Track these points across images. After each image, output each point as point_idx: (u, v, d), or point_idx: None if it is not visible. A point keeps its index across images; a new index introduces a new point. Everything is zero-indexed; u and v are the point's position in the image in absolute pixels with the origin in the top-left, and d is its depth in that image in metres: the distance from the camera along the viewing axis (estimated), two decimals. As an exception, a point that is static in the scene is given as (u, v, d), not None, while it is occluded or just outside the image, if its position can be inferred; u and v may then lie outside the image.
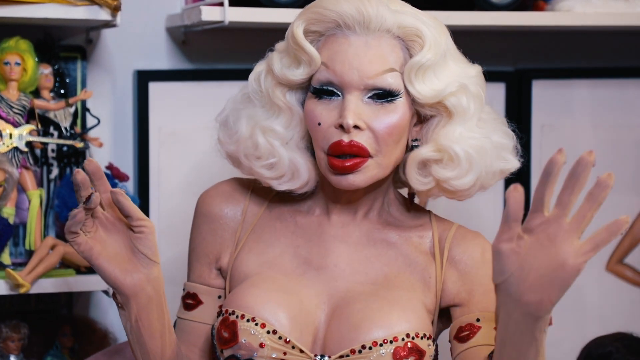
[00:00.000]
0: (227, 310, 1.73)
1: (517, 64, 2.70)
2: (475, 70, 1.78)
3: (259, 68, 1.82)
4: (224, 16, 2.25)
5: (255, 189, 1.86)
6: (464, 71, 1.75)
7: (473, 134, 1.74)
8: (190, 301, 1.85)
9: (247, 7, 2.27)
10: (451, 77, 1.73)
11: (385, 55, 1.70)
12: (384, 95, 1.70)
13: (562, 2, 2.48)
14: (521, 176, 2.66)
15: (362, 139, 1.70)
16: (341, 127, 1.70)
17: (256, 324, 1.69)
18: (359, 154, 1.70)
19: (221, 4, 2.25)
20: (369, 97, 1.70)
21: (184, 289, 1.87)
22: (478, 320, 1.74)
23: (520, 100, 2.66)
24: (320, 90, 1.72)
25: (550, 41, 2.71)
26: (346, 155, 1.70)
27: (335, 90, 1.71)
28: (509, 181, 2.64)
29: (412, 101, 1.73)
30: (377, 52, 1.70)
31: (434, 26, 1.73)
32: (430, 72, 1.71)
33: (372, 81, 1.70)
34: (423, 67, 1.70)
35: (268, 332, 1.69)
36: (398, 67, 1.71)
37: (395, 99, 1.71)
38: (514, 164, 1.79)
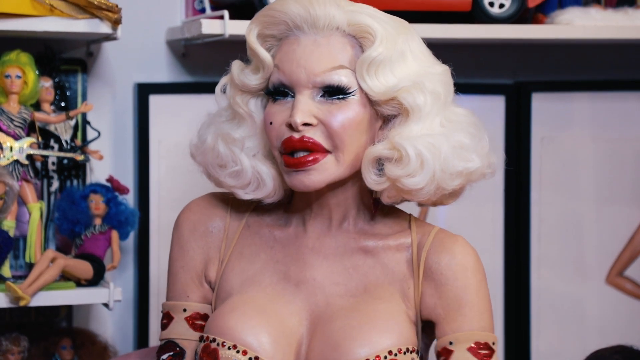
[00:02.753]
0: (208, 337, 1.72)
1: (517, 77, 2.70)
2: (440, 69, 1.74)
3: (224, 80, 1.82)
4: (224, 29, 2.25)
5: (234, 204, 1.84)
6: (425, 70, 1.72)
7: (430, 133, 1.70)
8: (201, 322, 1.83)
9: (247, 20, 2.27)
10: (408, 74, 1.70)
11: (334, 53, 1.69)
12: (334, 92, 1.68)
13: (561, 15, 2.48)
14: (521, 188, 2.66)
15: (315, 134, 1.68)
16: (291, 126, 1.68)
17: (237, 352, 1.68)
18: (313, 149, 1.68)
19: (221, 17, 2.26)
20: (321, 96, 1.69)
21: (184, 309, 1.83)
22: (451, 343, 1.71)
23: (519, 112, 2.66)
24: (274, 92, 1.72)
25: (549, 54, 2.72)
26: (298, 151, 1.68)
27: (287, 91, 1.70)
28: (509, 190, 2.65)
29: (370, 101, 1.70)
30: (325, 50, 1.69)
31: (391, 24, 1.71)
32: (385, 68, 1.69)
33: (320, 78, 1.68)
34: (375, 62, 1.68)
35: (250, 359, 1.68)
36: (349, 64, 1.69)
37: (347, 97, 1.69)
38: (475, 163, 1.72)
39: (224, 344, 1.69)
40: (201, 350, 1.72)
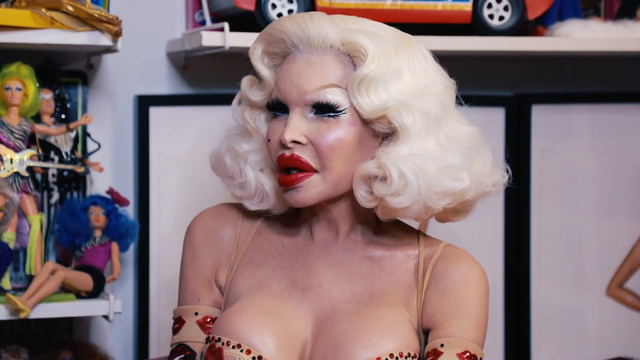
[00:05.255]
0: (213, 337, 1.74)
1: (517, 89, 2.71)
2: (440, 87, 1.74)
3: (240, 95, 1.85)
4: (225, 41, 2.26)
5: (246, 213, 1.87)
6: (421, 88, 1.72)
7: (418, 152, 1.71)
8: (212, 326, 1.84)
9: (247, 32, 2.28)
10: (402, 92, 1.71)
11: (326, 71, 1.71)
12: (325, 110, 1.70)
13: (561, 27, 2.49)
14: (521, 200, 2.67)
15: (304, 153, 1.71)
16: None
17: (241, 351, 1.70)
18: (302, 167, 1.71)
19: (222, 30, 2.26)
20: (313, 114, 1.71)
21: (196, 313, 1.85)
22: (442, 345, 1.72)
23: (519, 124, 2.66)
24: (272, 108, 1.75)
25: (549, 66, 2.72)
26: (289, 169, 1.71)
27: (284, 108, 1.74)
28: (509, 202, 2.65)
29: (363, 119, 1.71)
30: (318, 69, 1.71)
31: (389, 41, 1.72)
32: (377, 85, 1.70)
33: (310, 97, 1.70)
34: (365, 79, 1.69)
35: (253, 358, 1.69)
36: (341, 82, 1.71)
37: (338, 115, 1.71)
38: (464, 183, 1.72)
39: (229, 343, 1.71)
40: (206, 350, 1.74)
